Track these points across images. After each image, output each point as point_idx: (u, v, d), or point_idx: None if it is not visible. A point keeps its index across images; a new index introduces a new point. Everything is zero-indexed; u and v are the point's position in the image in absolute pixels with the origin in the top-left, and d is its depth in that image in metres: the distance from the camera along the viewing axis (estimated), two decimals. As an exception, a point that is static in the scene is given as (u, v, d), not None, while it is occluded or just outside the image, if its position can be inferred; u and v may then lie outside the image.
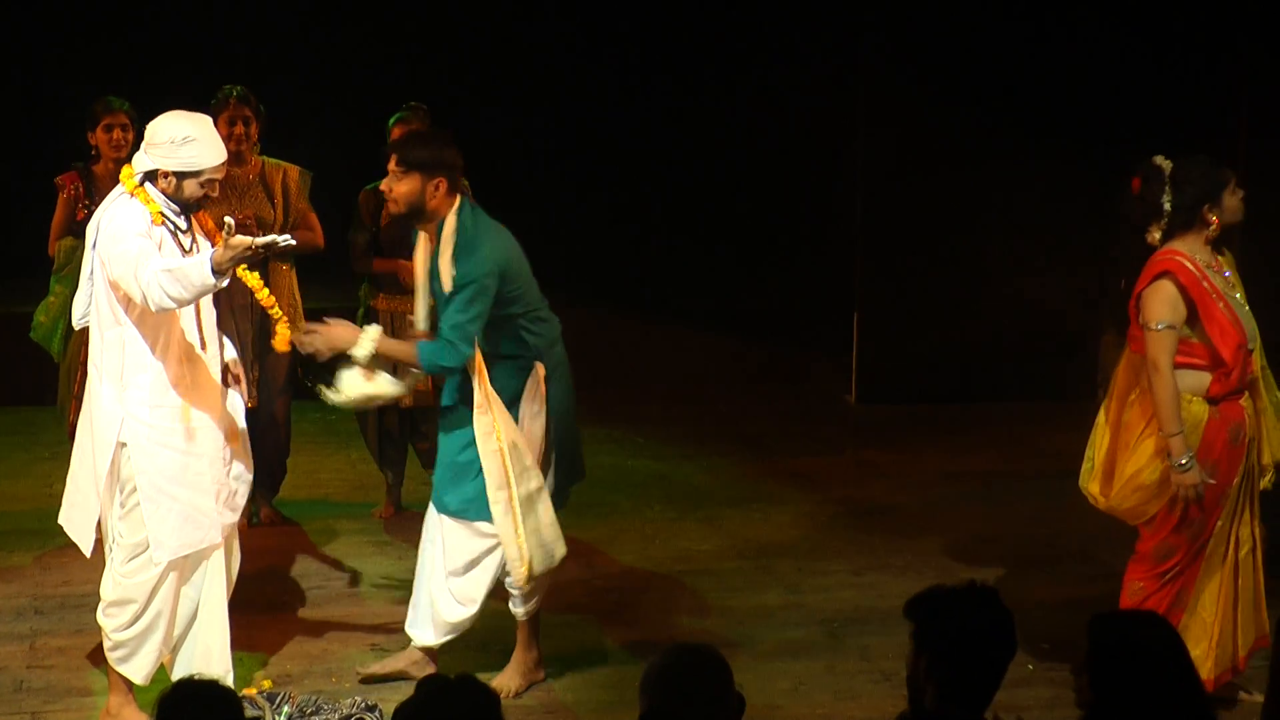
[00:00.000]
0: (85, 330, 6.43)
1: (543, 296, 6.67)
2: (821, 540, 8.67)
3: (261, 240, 5.86)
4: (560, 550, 6.66)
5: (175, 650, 6.43)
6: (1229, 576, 6.45)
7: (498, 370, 6.55)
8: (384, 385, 6.66)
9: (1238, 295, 6.39)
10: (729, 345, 12.28)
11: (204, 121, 6.25)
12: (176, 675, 6.28)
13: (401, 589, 7.87)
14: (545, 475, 6.65)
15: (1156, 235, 6.37)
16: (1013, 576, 8.01)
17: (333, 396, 6.64)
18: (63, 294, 8.23)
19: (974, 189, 11.25)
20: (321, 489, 9.51)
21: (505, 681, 6.72)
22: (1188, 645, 4.52)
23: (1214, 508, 6.34)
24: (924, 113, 11.22)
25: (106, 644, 6.34)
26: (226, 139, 8.12)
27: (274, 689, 6.58)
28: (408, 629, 6.87)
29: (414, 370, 6.74)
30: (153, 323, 6.15)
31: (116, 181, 6.39)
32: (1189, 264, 6.29)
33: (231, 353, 6.53)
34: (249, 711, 6.12)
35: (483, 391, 6.49)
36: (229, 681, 6.32)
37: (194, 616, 6.40)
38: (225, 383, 6.46)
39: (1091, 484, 6.54)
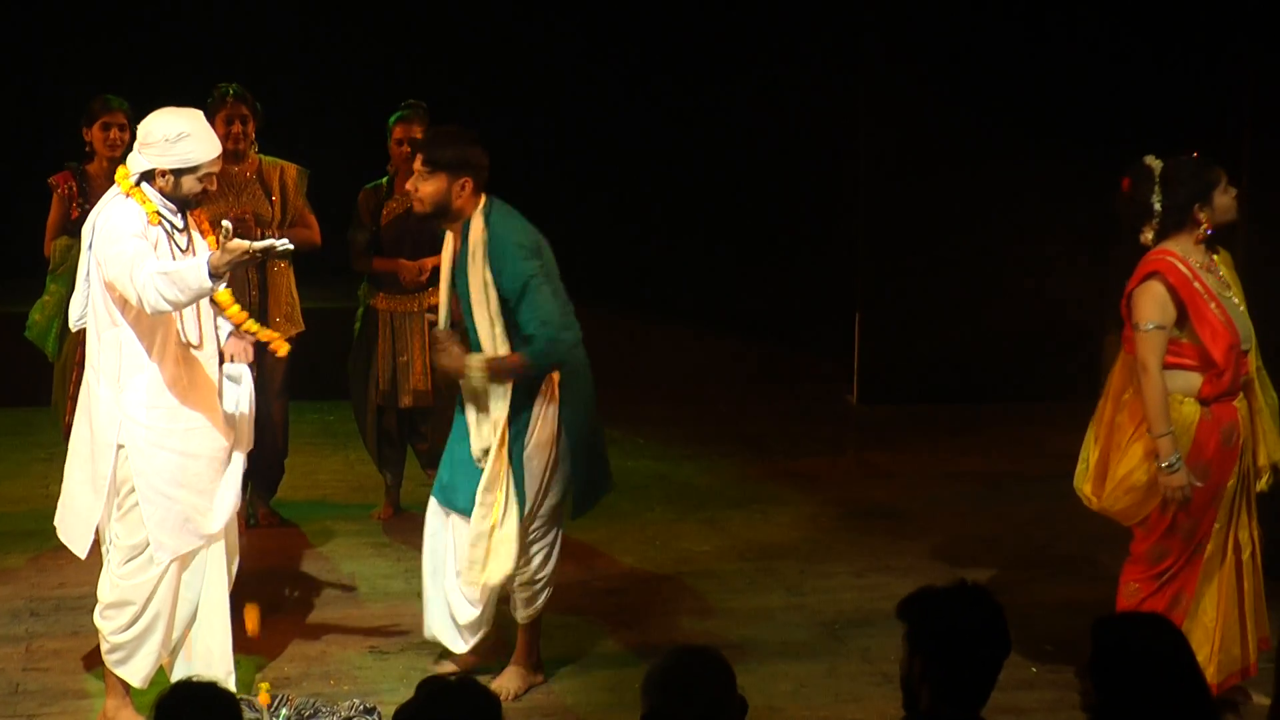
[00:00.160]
0: (82, 331, 6.40)
1: (568, 300, 6.59)
2: (823, 541, 8.65)
3: (259, 244, 5.84)
4: (510, 569, 6.59)
5: (174, 652, 6.40)
6: (1231, 580, 6.41)
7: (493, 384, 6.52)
8: None
9: (1232, 296, 6.34)
10: (729, 345, 12.28)
11: (196, 116, 6.23)
12: (176, 677, 6.26)
13: (400, 591, 7.85)
14: (552, 484, 6.62)
15: (1149, 235, 6.34)
16: (1015, 578, 7.99)
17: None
18: (58, 292, 8.21)
19: (976, 189, 11.26)
20: (320, 490, 9.49)
21: (505, 683, 6.68)
22: (1189, 650, 4.49)
23: (1206, 509, 6.30)
24: (925, 113, 11.22)
25: (104, 646, 6.31)
26: (224, 138, 8.13)
27: (271, 691, 6.54)
28: (427, 633, 6.86)
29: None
30: (149, 323, 6.12)
31: (110, 180, 6.35)
32: (1180, 264, 6.25)
33: (227, 327, 6.45)
34: (247, 714, 6.08)
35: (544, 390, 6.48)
36: (231, 683, 6.31)
37: (193, 618, 6.37)
38: (223, 368, 6.42)
39: (1085, 485, 6.52)
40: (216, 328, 6.43)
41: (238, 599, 6.56)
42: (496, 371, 6.43)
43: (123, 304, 6.09)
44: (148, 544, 6.18)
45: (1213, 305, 6.24)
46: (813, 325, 12.23)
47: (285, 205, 8.42)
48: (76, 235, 6.72)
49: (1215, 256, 6.41)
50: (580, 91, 13.01)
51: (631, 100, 13.10)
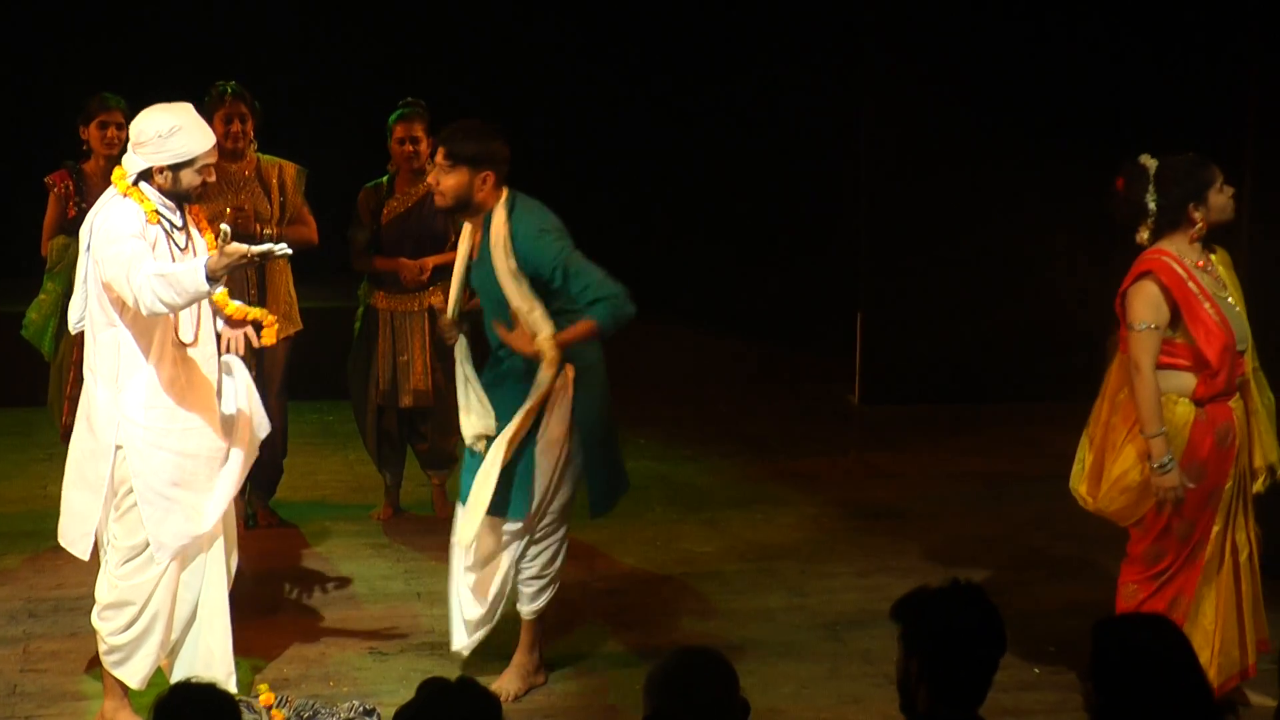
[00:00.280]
0: (80, 331, 6.36)
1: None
2: (825, 542, 8.63)
3: (257, 249, 5.83)
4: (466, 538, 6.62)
5: (173, 653, 6.38)
6: (1229, 583, 6.39)
7: (526, 366, 6.51)
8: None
9: (1228, 296, 6.31)
10: (730, 345, 12.26)
11: (185, 109, 6.20)
12: (176, 678, 6.24)
13: (400, 592, 7.83)
14: (562, 482, 6.61)
15: (1144, 235, 6.31)
16: (1018, 579, 7.98)
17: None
18: (54, 291, 8.19)
19: (978, 189, 11.24)
20: (319, 490, 9.46)
21: (505, 685, 6.66)
22: (1189, 654, 4.46)
23: (1202, 510, 6.28)
24: (927, 112, 11.20)
25: (102, 648, 6.30)
26: (223, 137, 8.11)
27: (271, 693, 6.52)
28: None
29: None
30: (146, 323, 6.10)
31: (107, 179, 6.33)
32: (1174, 264, 6.22)
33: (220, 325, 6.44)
34: (246, 715, 6.06)
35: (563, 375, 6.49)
36: (232, 684, 6.30)
37: (192, 619, 6.36)
38: (221, 363, 6.40)
39: (1080, 485, 6.50)
40: (215, 327, 6.39)
41: (236, 600, 6.52)
42: (569, 343, 6.43)
43: (120, 304, 6.06)
44: (146, 545, 6.17)
45: (1207, 305, 6.21)
46: (814, 325, 12.21)
47: (284, 203, 8.39)
48: (73, 234, 6.69)
49: (1212, 256, 6.38)
50: (580, 91, 12.98)
51: (632, 100, 13.08)
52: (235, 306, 6.30)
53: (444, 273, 8.59)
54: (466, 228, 6.67)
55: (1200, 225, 6.27)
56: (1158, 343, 6.19)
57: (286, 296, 8.42)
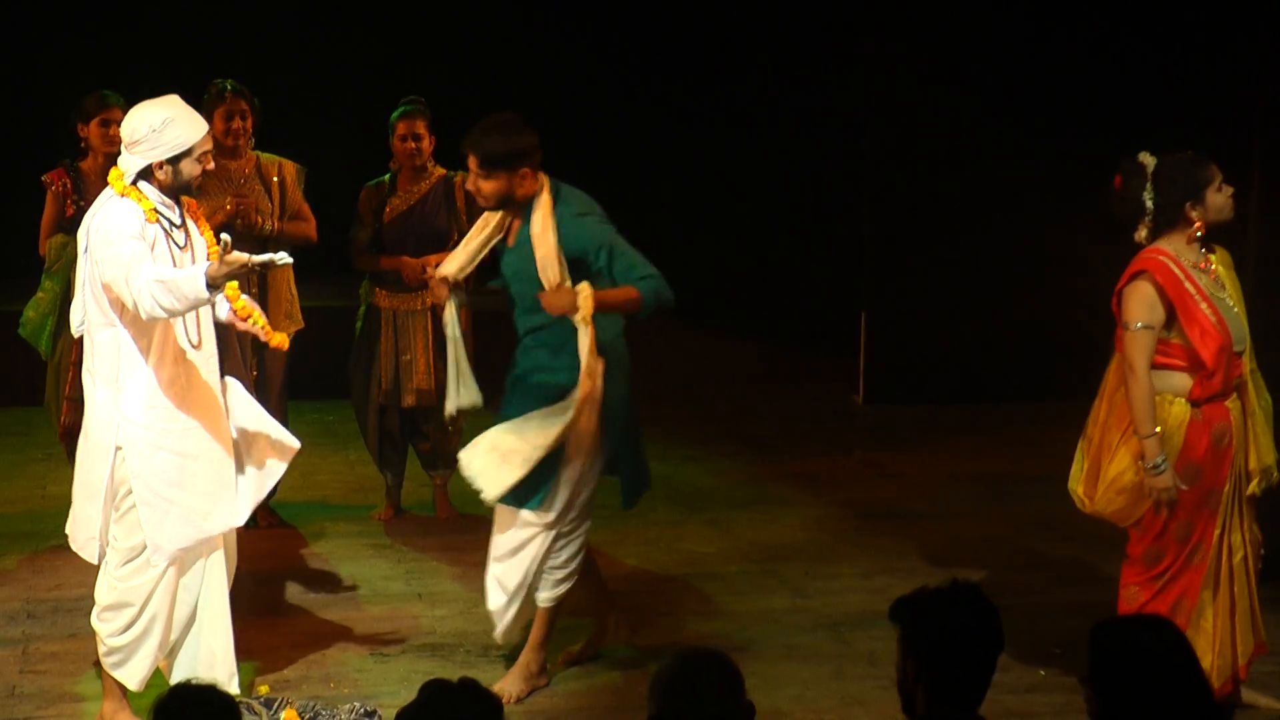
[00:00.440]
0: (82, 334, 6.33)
1: None
2: (828, 543, 8.60)
3: (259, 259, 5.82)
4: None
5: (173, 655, 6.36)
6: (1227, 586, 6.36)
7: (551, 359, 6.54)
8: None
9: (1226, 297, 6.27)
10: (733, 345, 12.26)
11: (174, 100, 6.18)
12: (176, 680, 6.21)
13: (401, 593, 7.81)
14: (590, 478, 6.65)
15: (1143, 233, 6.28)
16: (1023, 580, 7.96)
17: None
18: (52, 290, 8.15)
19: (981, 188, 11.22)
20: (320, 490, 9.43)
21: (507, 686, 6.64)
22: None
23: (1199, 510, 6.24)
24: (930, 111, 11.18)
25: (101, 649, 6.27)
26: (224, 134, 8.09)
27: (271, 694, 6.50)
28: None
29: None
30: (146, 324, 6.08)
31: (105, 177, 6.29)
32: (1170, 263, 6.19)
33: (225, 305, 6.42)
34: (246, 717, 6.04)
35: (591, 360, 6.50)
36: (234, 685, 6.29)
37: (191, 620, 6.33)
38: (224, 371, 6.40)
39: (1078, 486, 6.48)
40: (218, 316, 6.36)
41: (236, 601, 6.49)
42: (607, 303, 6.44)
43: (119, 305, 6.04)
44: (145, 545, 6.13)
45: (1204, 306, 6.17)
46: (817, 325, 12.22)
47: (284, 201, 8.35)
48: (72, 233, 6.66)
49: (1211, 256, 6.34)
50: (580, 91, 12.97)
51: (634, 98, 13.07)
52: (244, 302, 6.27)
53: (447, 271, 8.59)
54: (491, 214, 6.66)
55: (1198, 225, 6.23)
56: (1152, 342, 6.16)
57: (288, 294, 8.40)
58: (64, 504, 6.52)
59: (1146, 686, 4.14)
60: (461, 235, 8.61)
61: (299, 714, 6.33)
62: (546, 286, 6.45)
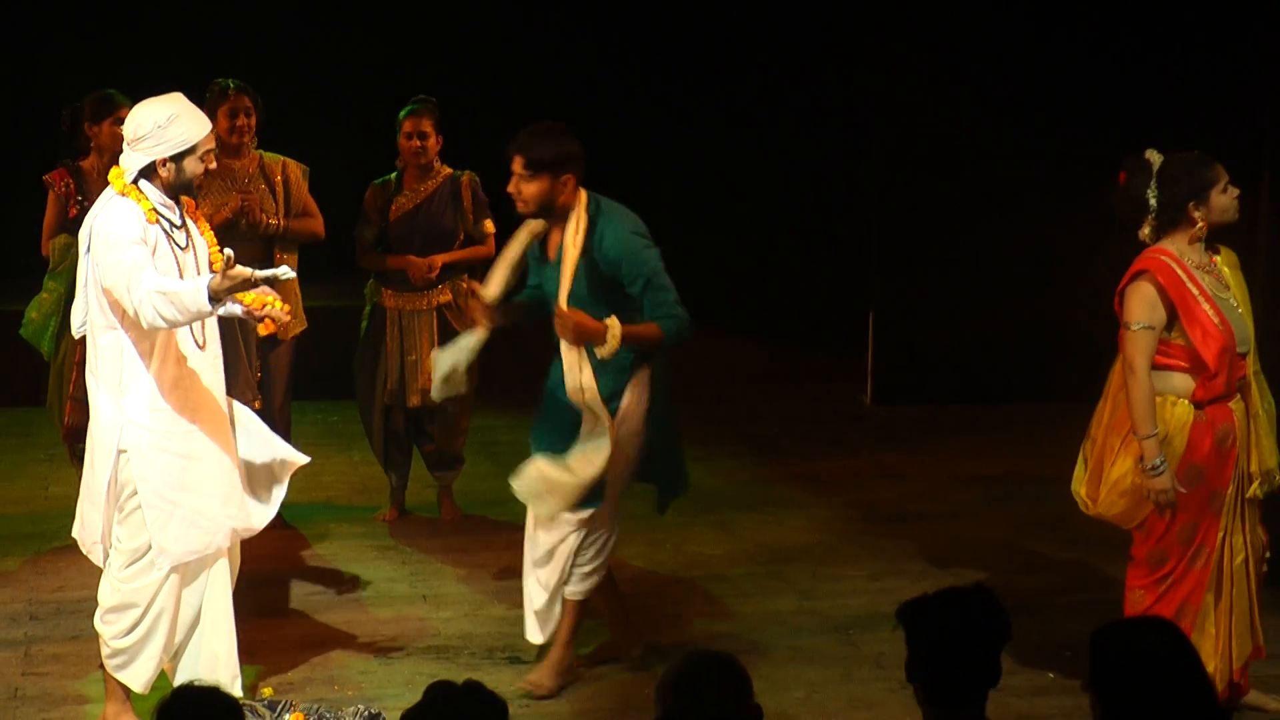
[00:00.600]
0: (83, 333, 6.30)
1: None
2: (836, 545, 8.58)
3: (262, 274, 5.81)
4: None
5: (177, 657, 6.34)
6: (1227, 589, 6.33)
7: (600, 366, 6.55)
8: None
9: (1230, 298, 6.22)
10: (739, 345, 12.23)
11: (178, 98, 6.16)
12: (179, 682, 6.18)
13: (405, 594, 7.79)
14: (631, 475, 6.68)
15: (1147, 231, 6.25)
16: (1032, 582, 7.93)
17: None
18: (56, 290, 8.11)
19: (990, 187, 11.19)
20: (323, 491, 9.40)
21: (540, 679, 6.69)
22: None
23: (1202, 512, 6.21)
24: (938, 110, 11.16)
25: (104, 651, 6.25)
26: (229, 131, 8.07)
27: (275, 697, 6.47)
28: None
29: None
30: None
31: (105, 176, 6.25)
32: (1173, 264, 6.16)
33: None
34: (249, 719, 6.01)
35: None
36: (238, 687, 6.27)
37: (195, 622, 6.31)
38: (228, 371, 6.39)
39: (1081, 488, 6.47)
40: (221, 326, 6.33)
41: (240, 603, 6.47)
42: (631, 337, 6.50)
43: (120, 310, 6.02)
44: (149, 548, 6.12)
45: (1206, 306, 6.13)
46: (825, 325, 12.19)
47: (288, 200, 8.32)
48: (75, 234, 6.62)
49: (1217, 257, 6.30)
50: (582, 90, 12.93)
51: (640, 98, 13.06)
52: (254, 296, 6.24)
53: (453, 271, 8.56)
54: (529, 223, 6.64)
55: (1201, 225, 6.19)
56: (1153, 343, 6.12)
57: (293, 294, 8.36)
58: (66, 505, 6.50)
59: (1149, 690, 4.12)
60: (467, 235, 8.63)
61: (304, 716, 6.30)
62: (561, 300, 6.46)
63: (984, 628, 4.25)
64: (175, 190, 6.11)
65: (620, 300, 6.50)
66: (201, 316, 5.87)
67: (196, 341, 6.17)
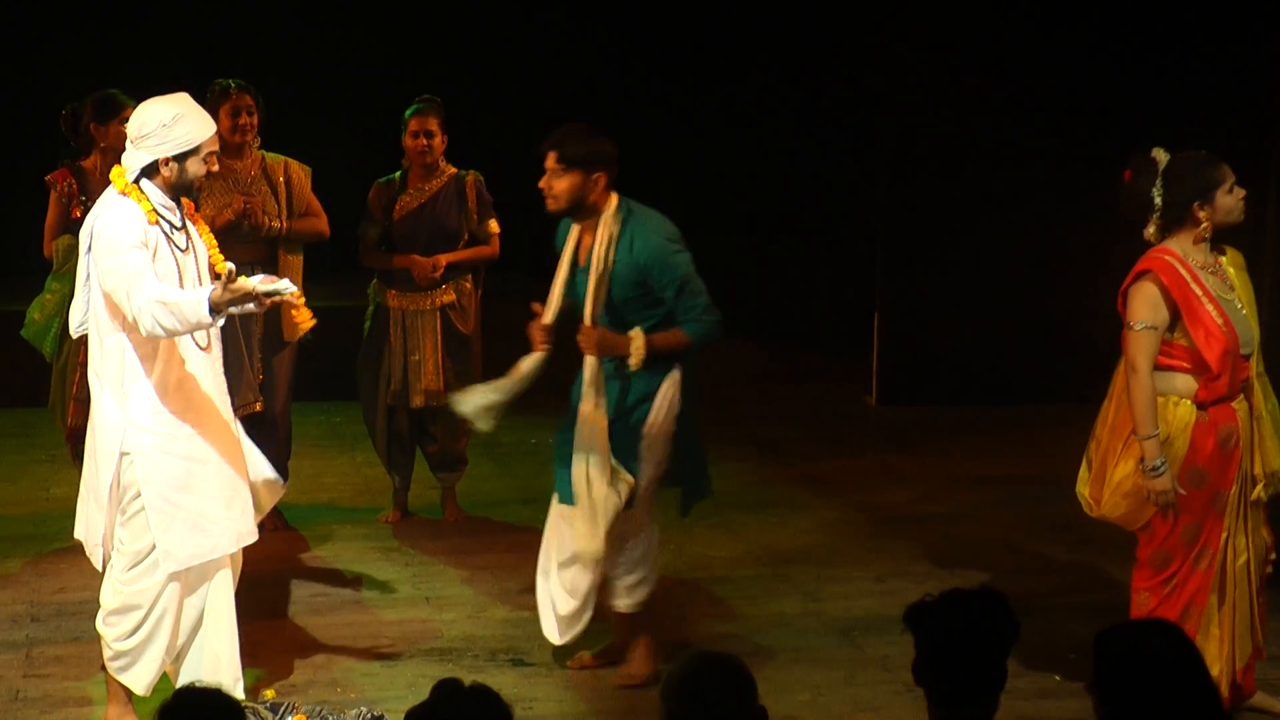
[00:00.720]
0: (84, 334, 6.27)
1: None
2: (841, 546, 8.55)
3: (264, 288, 5.81)
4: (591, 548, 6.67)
5: (179, 659, 6.32)
6: (1230, 590, 6.30)
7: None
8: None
9: (1235, 299, 6.20)
10: (744, 346, 12.19)
11: (183, 98, 6.14)
12: (181, 684, 6.13)
13: (408, 596, 7.77)
14: (658, 479, 6.68)
15: (1152, 230, 6.23)
16: (1038, 583, 7.91)
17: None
18: (59, 291, 8.07)
19: (994, 187, 11.18)
20: (326, 493, 9.39)
21: (637, 669, 6.71)
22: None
23: (1206, 513, 6.18)
24: (943, 110, 11.15)
25: (106, 653, 6.24)
26: (231, 130, 8.04)
27: (277, 699, 6.44)
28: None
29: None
30: (150, 330, 6.01)
31: (107, 176, 6.22)
32: (1176, 264, 6.13)
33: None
34: (251, 722, 6.00)
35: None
36: (240, 690, 6.26)
37: (198, 624, 6.29)
38: (229, 371, 6.38)
39: (1085, 489, 6.44)
40: (223, 328, 6.31)
41: (242, 604, 6.45)
42: (657, 346, 6.51)
43: (120, 314, 5.99)
44: (152, 550, 6.10)
45: (1210, 307, 6.11)
46: (830, 326, 12.19)
47: (290, 200, 8.30)
48: (77, 234, 6.59)
49: (1222, 258, 6.28)
50: (582, 90, 12.92)
51: (645, 97, 13.06)
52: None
53: (457, 271, 8.54)
54: (573, 229, 6.64)
55: (1205, 225, 6.17)
56: (1155, 343, 6.10)
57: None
58: (68, 507, 6.48)
59: (1153, 693, 4.10)
60: (472, 235, 8.60)
61: (306, 718, 6.28)
62: (588, 310, 6.48)
63: (992, 630, 4.23)
64: (177, 191, 6.10)
65: (651, 303, 6.51)
66: (201, 327, 5.88)
67: (199, 344, 6.15)
